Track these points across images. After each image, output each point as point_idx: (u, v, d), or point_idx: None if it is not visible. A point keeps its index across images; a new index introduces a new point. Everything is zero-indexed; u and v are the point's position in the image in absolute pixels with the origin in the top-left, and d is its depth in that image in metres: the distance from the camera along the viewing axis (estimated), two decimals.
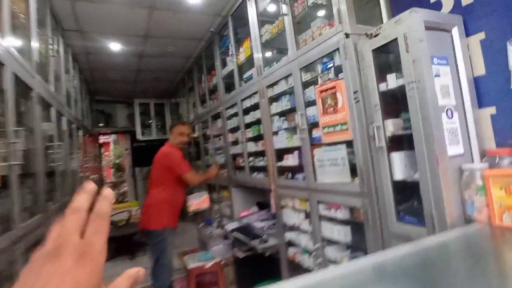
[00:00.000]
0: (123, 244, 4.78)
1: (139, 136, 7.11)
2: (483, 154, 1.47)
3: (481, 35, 1.51)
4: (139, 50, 4.26)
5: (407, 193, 1.55)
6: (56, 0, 2.85)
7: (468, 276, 0.95)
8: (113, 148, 10.18)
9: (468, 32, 1.55)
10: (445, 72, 1.46)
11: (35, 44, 2.15)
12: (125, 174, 8.86)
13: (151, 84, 6.08)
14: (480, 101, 1.52)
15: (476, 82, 1.53)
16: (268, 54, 2.83)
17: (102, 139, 9.45)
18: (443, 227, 1.32)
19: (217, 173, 3.24)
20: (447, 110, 1.43)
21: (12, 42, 1.70)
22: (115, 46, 4.07)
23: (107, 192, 0.37)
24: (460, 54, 1.52)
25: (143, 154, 7.60)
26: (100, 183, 7.52)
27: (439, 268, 1.02)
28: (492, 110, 1.48)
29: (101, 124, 7.21)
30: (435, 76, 1.41)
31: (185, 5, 3.18)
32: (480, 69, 1.52)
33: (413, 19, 1.38)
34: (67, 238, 0.32)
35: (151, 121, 7.24)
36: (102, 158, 10.15)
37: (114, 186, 9.94)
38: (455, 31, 1.52)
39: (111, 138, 9.90)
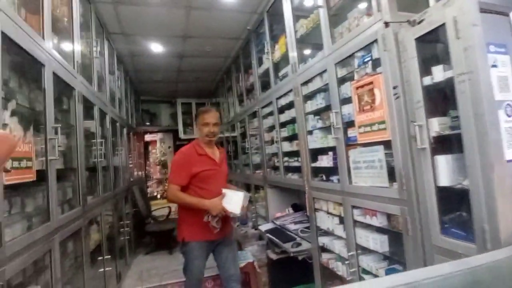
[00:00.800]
0: (163, 238, 4.95)
1: (181, 135, 7.35)
2: None
3: None
4: (179, 50, 4.37)
5: (454, 202, 1.35)
6: (99, 4, 3.01)
7: None
8: (159, 146, 10.71)
9: None
10: (503, 62, 1.24)
11: (77, 46, 2.28)
12: None
13: (192, 84, 6.24)
14: None
15: None
16: (304, 50, 2.70)
17: (149, 137, 9.99)
18: (497, 244, 1.12)
19: (217, 210, 2.09)
20: (506, 106, 1.21)
21: (54, 43, 1.80)
22: (156, 48, 4.22)
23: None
24: None
25: None
26: (146, 179, 7.92)
27: None
28: None
29: (147, 123, 7.59)
30: (492, 66, 1.21)
31: (220, 4, 3.18)
32: None
33: (466, 0, 1.19)
34: None
35: (192, 119, 7.45)
36: (149, 155, 10.75)
37: (160, 182, 10.47)
38: None
39: (157, 137, 10.41)
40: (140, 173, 6.44)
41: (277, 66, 3.20)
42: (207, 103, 7.66)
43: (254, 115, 3.98)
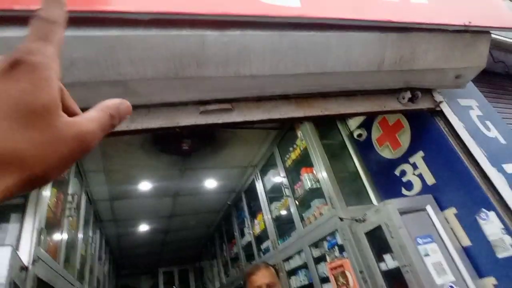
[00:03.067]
0: None
1: None
2: None
3: (453, 210, 1.75)
4: (164, 227, 4.68)
5: None
6: (99, 202, 3.44)
7: None
8: None
9: (441, 207, 1.80)
10: (433, 250, 1.62)
11: (79, 252, 2.51)
12: None
13: (175, 253, 6.27)
14: (479, 272, 1.61)
15: (467, 252, 1.66)
16: (281, 226, 3.09)
17: None
18: None
19: None
20: None
21: (63, 261, 2.04)
22: (143, 228, 4.51)
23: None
24: (442, 229, 1.71)
25: None
26: None
27: None
28: (492, 280, 1.55)
29: None
30: (425, 256, 1.57)
31: (203, 189, 3.73)
32: (465, 240, 1.68)
33: (388, 210, 1.66)
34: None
35: (175, 287, 7.01)
36: None
37: None
38: (429, 209, 1.78)
39: None
40: None
41: (259, 239, 3.51)
42: (189, 269, 7.44)
43: (241, 286, 3.98)
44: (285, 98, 1.67)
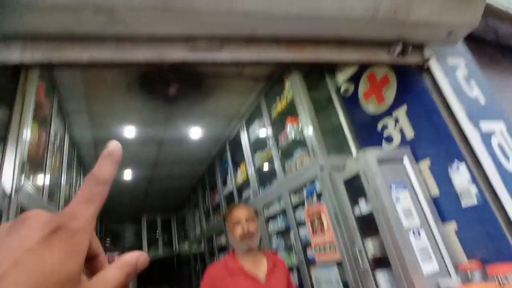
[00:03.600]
0: None
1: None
2: (457, 267, 1.61)
3: (427, 161, 1.85)
4: (148, 175, 4.74)
5: None
6: (82, 147, 3.41)
7: None
8: None
9: (417, 159, 1.90)
10: (404, 196, 1.74)
11: (63, 189, 2.53)
12: None
13: (159, 201, 6.43)
14: (443, 218, 1.75)
15: (435, 201, 1.80)
16: (262, 176, 3.19)
17: (108, 257, 9.29)
18: None
19: None
20: (413, 230, 1.65)
21: (47, 196, 2.06)
22: (127, 175, 4.55)
23: (113, 145, 0.27)
24: (415, 179, 1.82)
25: (149, 274, 7.39)
26: None
27: None
28: (454, 225, 1.70)
29: (107, 244, 7.26)
30: (396, 201, 1.68)
31: (188, 138, 3.74)
32: (435, 190, 1.80)
33: (367, 158, 1.73)
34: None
35: (157, 235, 7.31)
36: None
37: None
38: (406, 160, 1.87)
39: (116, 255, 9.72)
40: None
41: (240, 189, 3.63)
42: (172, 217, 7.70)
43: (221, 231, 4.18)
44: (276, 41, 1.63)
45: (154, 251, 7.21)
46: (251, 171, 3.18)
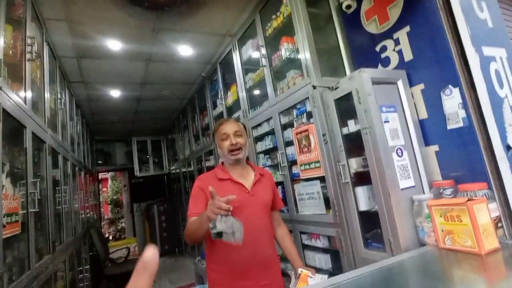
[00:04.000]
0: (123, 281, 4.82)
1: (137, 173, 7.34)
2: (431, 186, 1.72)
3: (421, 86, 1.82)
4: (136, 95, 4.62)
5: (372, 222, 1.78)
6: (64, 59, 3.21)
7: None
8: (111, 184, 10.33)
9: (411, 83, 1.87)
10: (393, 118, 1.75)
11: (47, 102, 2.45)
12: (123, 210, 8.95)
13: (148, 123, 6.42)
14: (426, 140, 1.81)
15: (421, 124, 1.83)
16: (253, 97, 3.15)
17: (100, 175, 9.65)
18: (399, 250, 1.54)
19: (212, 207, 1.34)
20: (397, 149, 1.70)
21: (31, 105, 2.00)
22: (115, 93, 4.42)
23: (148, 256, 0.25)
24: (406, 102, 1.82)
25: (141, 190, 7.81)
26: (99, 220, 7.62)
27: (397, 285, 1.25)
28: (436, 147, 1.76)
29: (99, 162, 7.46)
30: (385, 122, 1.70)
31: (177, 56, 3.55)
32: (423, 113, 1.82)
33: (362, 77, 1.69)
34: None
35: (148, 156, 7.51)
36: (100, 194, 10.29)
37: (112, 222, 9.98)
38: (400, 83, 1.84)
39: (109, 174, 10.09)
40: (95, 214, 6.25)
41: (230, 110, 3.61)
42: (162, 139, 7.81)
43: (210, 153, 4.29)
44: None
45: (145, 171, 7.48)
46: (242, 92, 3.12)
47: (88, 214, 5.29)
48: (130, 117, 5.80)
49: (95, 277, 4.81)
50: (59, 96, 2.93)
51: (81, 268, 3.61)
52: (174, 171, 6.99)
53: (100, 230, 6.05)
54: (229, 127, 1.68)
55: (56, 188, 2.74)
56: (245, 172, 1.73)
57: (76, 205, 3.76)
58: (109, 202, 10.18)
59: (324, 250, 2.21)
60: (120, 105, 4.92)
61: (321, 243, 2.18)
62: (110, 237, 9.18)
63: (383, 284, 1.27)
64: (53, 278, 2.19)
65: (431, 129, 1.79)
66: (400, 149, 1.72)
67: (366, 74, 1.70)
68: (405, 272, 1.38)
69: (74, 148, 3.85)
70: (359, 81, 1.70)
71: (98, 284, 5.12)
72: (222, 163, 1.78)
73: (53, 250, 2.26)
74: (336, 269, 2.10)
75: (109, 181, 10.41)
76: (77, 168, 3.90)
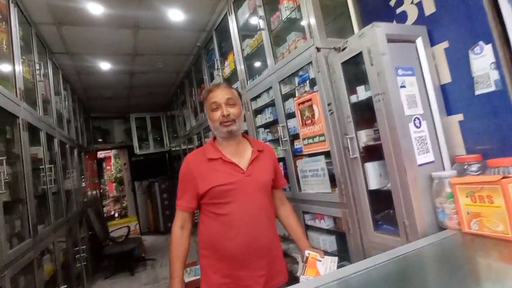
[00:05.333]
0: (123, 260, 4.79)
1: (137, 151, 7.18)
2: (453, 161, 1.49)
3: (445, 44, 1.54)
4: (128, 68, 4.33)
5: (383, 202, 1.57)
6: (41, 26, 2.92)
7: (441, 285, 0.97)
8: (114, 163, 10.26)
9: (432, 41, 1.59)
10: (411, 82, 1.49)
11: (19, 72, 2.21)
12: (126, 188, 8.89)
13: (145, 99, 6.16)
14: (448, 108, 1.55)
15: (443, 90, 1.56)
16: (251, 67, 2.87)
17: (102, 153, 9.54)
18: (415, 235, 1.34)
19: None
20: (414, 119, 1.46)
21: None
22: (105, 66, 4.14)
23: None
24: (426, 64, 1.55)
25: (141, 168, 7.67)
26: (101, 198, 7.58)
27: (415, 277, 1.05)
28: (460, 116, 1.51)
29: (99, 140, 7.29)
30: (401, 87, 1.44)
31: (168, 23, 3.24)
32: (446, 77, 1.55)
33: (375, 33, 1.41)
34: None
35: (148, 133, 7.31)
36: (104, 173, 10.24)
37: (116, 200, 10.01)
38: (419, 42, 1.56)
39: (111, 153, 9.99)
40: (94, 192, 6.16)
41: (228, 81, 3.33)
42: (161, 116, 7.57)
43: (209, 128, 4.06)
44: None
45: (146, 148, 7.31)
46: (239, 60, 2.83)
47: (87, 193, 5.18)
48: (124, 93, 5.53)
49: (95, 256, 4.76)
50: (37, 67, 2.67)
51: (77, 248, 3.51)
52: (174, 148, 6.81)
53: (99, 210, 5.97)
54: (219, 95, 1.42)
55: (40, 167, 2.55)
56: (240, 148, 1.49)
57: (69, 185, 3.60)
58: (113, 180, 10.16)
59: (328, 231, 2.03)
60: (112, 79, 4.64)
61: (326, 224, 1.99)
62: (116, 215, 9.22)
63: (399, 278, 1.07)
64: (36, 263, 2.05)
65: (454, 95, 1.53)
66: (418, 118, 1.47)
67: (380, 29, 1.42)
68: (424, 262, 1.18)
69: (62, 124, 3.64)
70: (372, 38, 1.42)
71: (99, 262, 5.10)
72: (214, 137, 1.54)
73: (34, 234, 2.10)
74: (343, 252, 1.92)
75: (112, 159, 10.33)
76: (67, 146, 3.70)
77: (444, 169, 1.49)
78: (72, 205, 3.65)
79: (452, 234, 1.29)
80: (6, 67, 2.09)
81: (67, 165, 3.65)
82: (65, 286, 2.68)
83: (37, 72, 2.69)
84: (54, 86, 3.41)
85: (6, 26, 2.09)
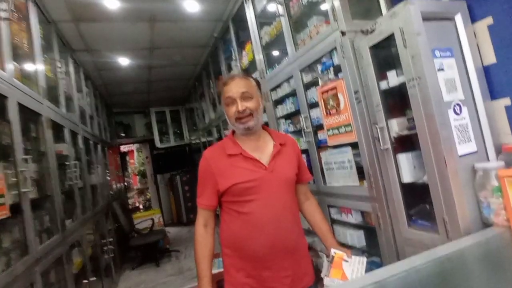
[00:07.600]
0: (149, 251, 4.90)
1: (158, 144, 7.26)
2: (499, 151, 1.35)
3: (489, 20, 1.38)
4: (147, 62, 4.32)
5: (418, 196, 1.46)
6: (60, 24, 2.93)
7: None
8: (137, 156, 10.50)
9: (474, 18, 1.43)
10: (449, 65, 1.35)
11: (41, 70, 2.22)
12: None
13: (164, 93, 6.18)
14: (493, 92, 1.40)
15: (487, 72, 1.41)
16: (270, 56, 2.77)
17: (125, 147, 9.76)
18: (457, 232, 1.23)
19: None
20: (454, 105, 1.33)
21: (15, 72, 1.76)
22: (123, 61, 4.15)
23: None
24: (466, 43, 1.40)
25: (163, 161, 7.78)
26: (126, 191, 7.78)
27: (458, 281, 0.95)
28: (506, 101, 1.36)
29: (122, 134, 7.43)
30: (438, 70, 1.31)
31: (184, 14, 3.17)
32: (490, 58, 1.40)
33: (409, 12, 1.28)
34: None
35: (168, 127, 7.38)
36: (128, 166, 10.51)
37: (141, 192, 10.27)
38: (458, 19, 1.41)
39: (134, 146, 10.21)
40: (119, 185, 6.31)
41: (246, 72, 3.24)
42: (180, 109, 7.61)
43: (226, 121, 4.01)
44: None
45: (166, 142, 7.38)
46: (258, 49, 2.73)
47: (112, 187, 5.30)
48: (144, 87, 5.57)
49: (122, 248, 4.89)
50: (58, 65, 2.69)
51: (105, 240, 3.60)
52: (194, 141, 6.83)
53: (124, 202, 6.11)
54: (234, 88, 1.32)
55: (66, 163, 2.59)
56: (261, 142, 1.40)
57: (94, 179, 3.68)
58: (137, 173, 10.41)
59: (356, 226, 1.93)
60: (131, 74, 4.67)
61: (353, 218, 1.90)
62: (141, 206, 9.46)
63: (440, 282, 0.98)
64: (65, 257, 2.09)
65: (500, 77, 1.38)
66: (459, 104, 1.34)
67: (414, 6, 1.29)
68: (469, 263, 1.07)
69: (85, 121, 3.69)
70: (405, 17, 1.29)
71: (126, 254, 5.25)
72: (233, 131, 1.47)
73: (62, 229, 2.14)
74: (372, 247, 1.83)
75: (135, 153, 10.57)
76: (91, 142, 3.77)
77: (488, 160, 1.35)
78: (98, 199, 3.73)
79: (499, 232, 1.17)
80: (28, 66, 2.11)
81: (92, 160, 3.72)
82: (94, 278, 2.75)
83: (59, 70, 2.72)
84: (76, 83, 3.45)
85: (26, 25, 2.09)
